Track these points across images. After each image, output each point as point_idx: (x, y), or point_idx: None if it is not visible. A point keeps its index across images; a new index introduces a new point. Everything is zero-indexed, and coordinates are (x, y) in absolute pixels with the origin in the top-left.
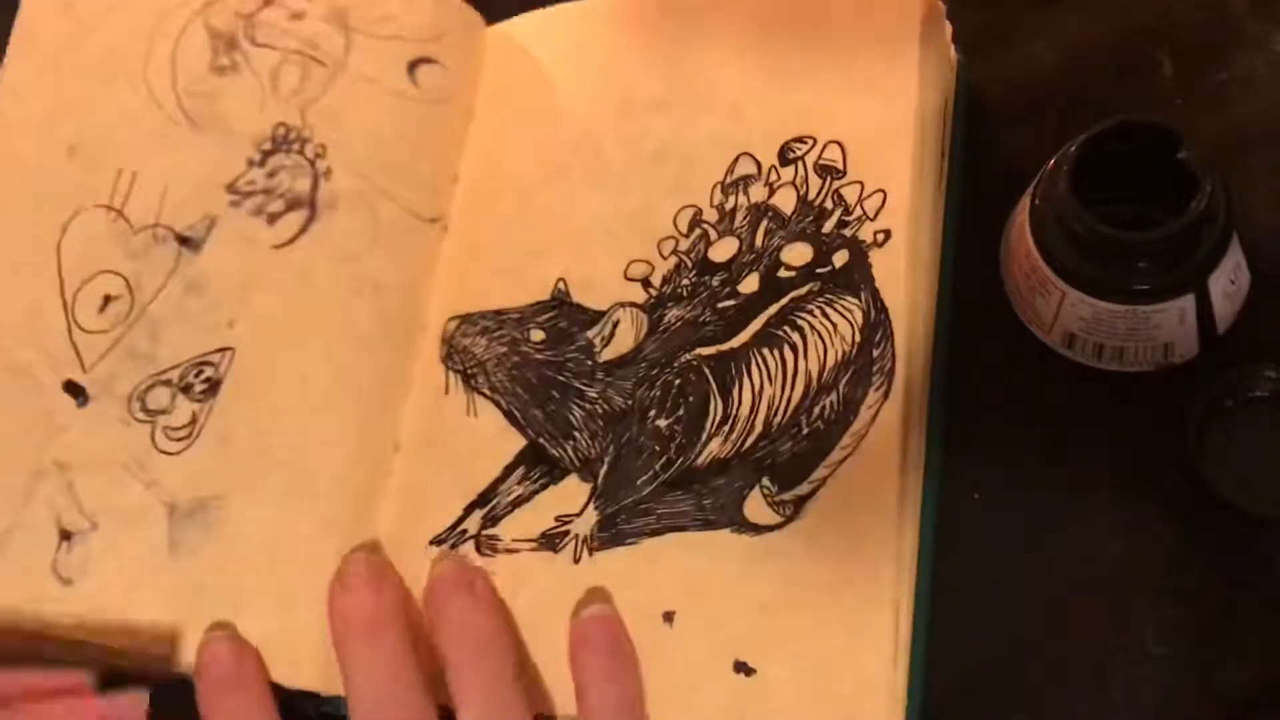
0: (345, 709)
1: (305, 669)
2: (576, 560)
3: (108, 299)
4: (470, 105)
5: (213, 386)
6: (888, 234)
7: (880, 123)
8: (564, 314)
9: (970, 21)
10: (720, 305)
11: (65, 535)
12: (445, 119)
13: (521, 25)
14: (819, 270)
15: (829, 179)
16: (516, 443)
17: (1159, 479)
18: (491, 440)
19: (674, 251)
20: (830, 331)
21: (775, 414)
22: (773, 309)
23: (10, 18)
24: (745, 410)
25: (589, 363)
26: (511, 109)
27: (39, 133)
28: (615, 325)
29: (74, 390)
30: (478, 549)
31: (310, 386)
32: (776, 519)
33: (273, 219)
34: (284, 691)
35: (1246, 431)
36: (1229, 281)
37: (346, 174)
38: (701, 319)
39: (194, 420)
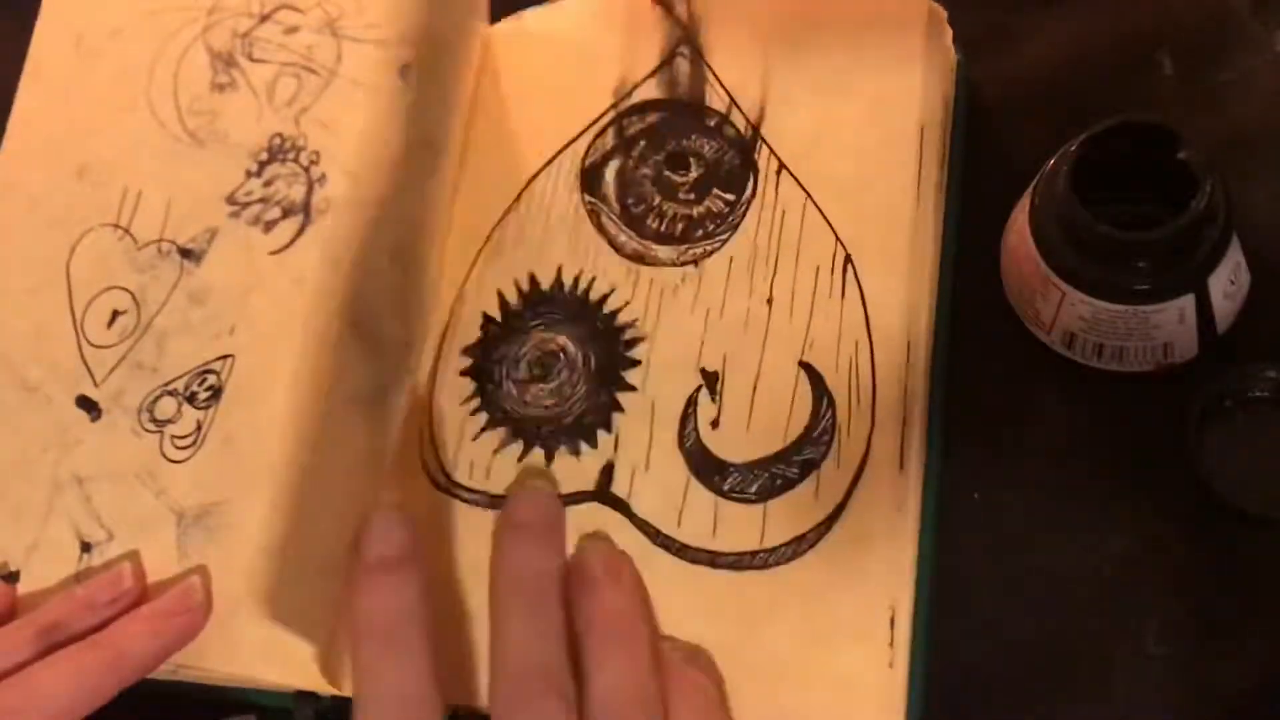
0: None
1: (306, 669)
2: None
3: (115, 314)
4: (468, 105)
5: (215, 393)
6: None
7: (884, 130)
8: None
9: (970, 21)
10: None
11: (85, 546)
12: (441, 119)
13: (521, 22)
14: None
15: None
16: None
17: (1159, 479)
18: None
19: None
20: None
21: None
22: None
23: (22, 50)
24: None
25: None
26: (511, 106)
27: (49, 159)
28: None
29: (87, 405)
30: None
31: (308, 388)
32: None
33: (269, 226)
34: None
35: (1246, 431)
36: (1229, 281)
37: (341, 179)
38: None
39: (199, 428)
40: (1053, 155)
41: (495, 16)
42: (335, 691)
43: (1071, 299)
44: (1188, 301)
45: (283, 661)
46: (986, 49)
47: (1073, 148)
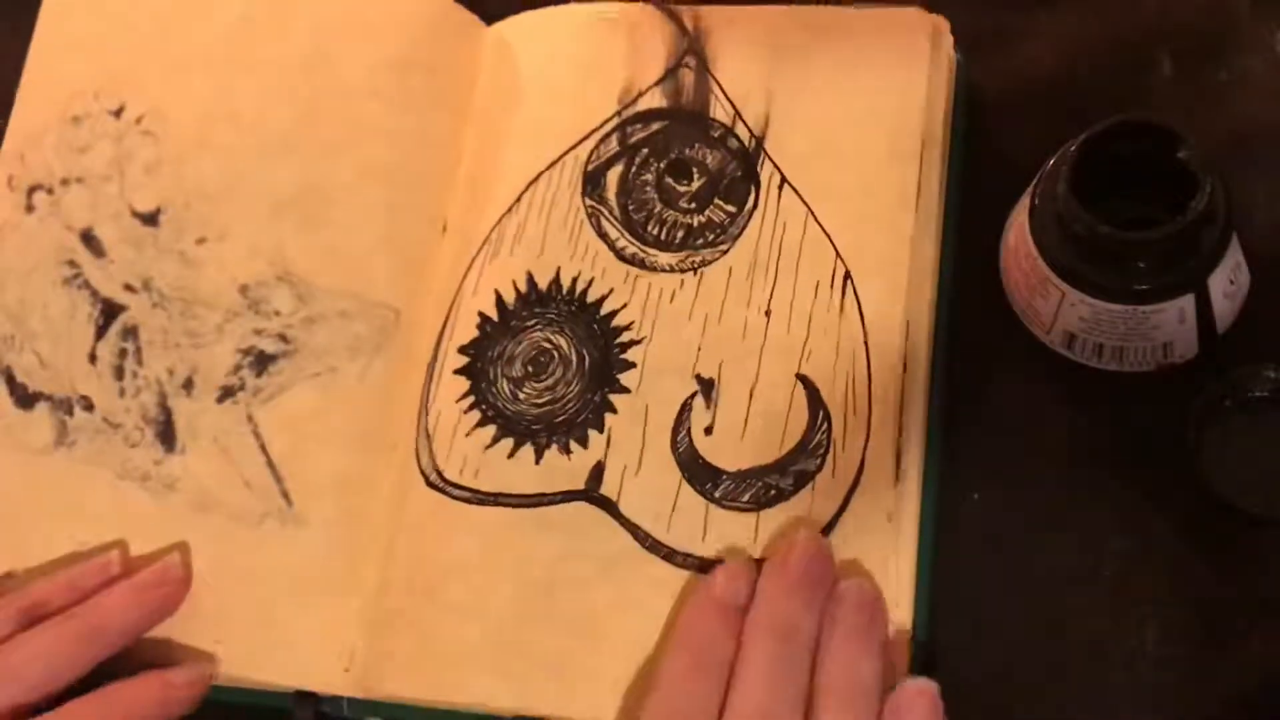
0: (346, 709)
1: (306, 669)
2: None
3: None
4: (467, 106)
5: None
6: None
7: (886, 144)
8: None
9: (970, 21)
10: None
11: None
12: (442, 122)
13: (518, 25)
14: None
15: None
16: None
17: (1159, 479)
18: None
19: None
20: None
21: None
22: None
23: (22, 50)
24: None
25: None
26: (513, 108)
27: None
28: None
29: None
30: None
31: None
32: None
33: None
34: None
35: (1246, 431)
36: (1229, 281)
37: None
38: None
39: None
40: (1053, 155)
41: (495, 16)
42: (335, 692)
43: (1071, 299)
44: (1187, 301)
45: (283, 661)
46: (986, 49)
47: (1073, 148)
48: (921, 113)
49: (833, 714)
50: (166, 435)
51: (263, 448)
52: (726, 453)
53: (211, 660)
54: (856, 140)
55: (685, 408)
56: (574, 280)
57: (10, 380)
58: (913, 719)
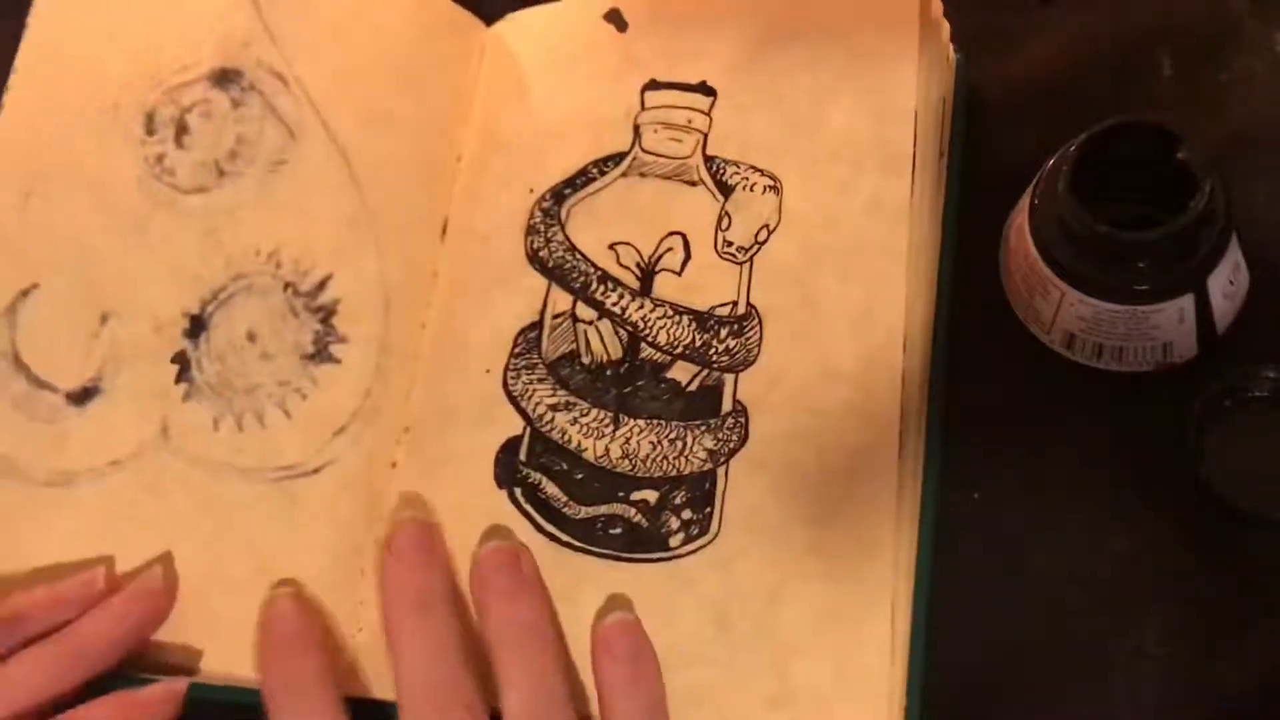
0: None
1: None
2: None
3: None
4: (469, 108)
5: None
6: None
7: (878, 125)
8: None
9: (970, 21)
10: None
11: None
12: (443, 123)
13: (515, 23)
14: None
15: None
16: None
17: (1159, 479)
18: None
19: None
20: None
21: None
22: None
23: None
24: None
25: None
26: (506, 107)
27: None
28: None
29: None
30: None
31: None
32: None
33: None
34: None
35: (1246, 431)
36: (1228, 281)
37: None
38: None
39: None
40: (1053, 155)
41: (495, 17)
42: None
43: (1071, 299)
44: (1187, 301)
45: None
46: (986, 49)
47: (1073, 148)
48: (914, 96)
49: (507, 660)
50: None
51: None
52: None
53: (185, 678)
54: (849, 128)
55: None
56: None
57: None
58: (619, 648)
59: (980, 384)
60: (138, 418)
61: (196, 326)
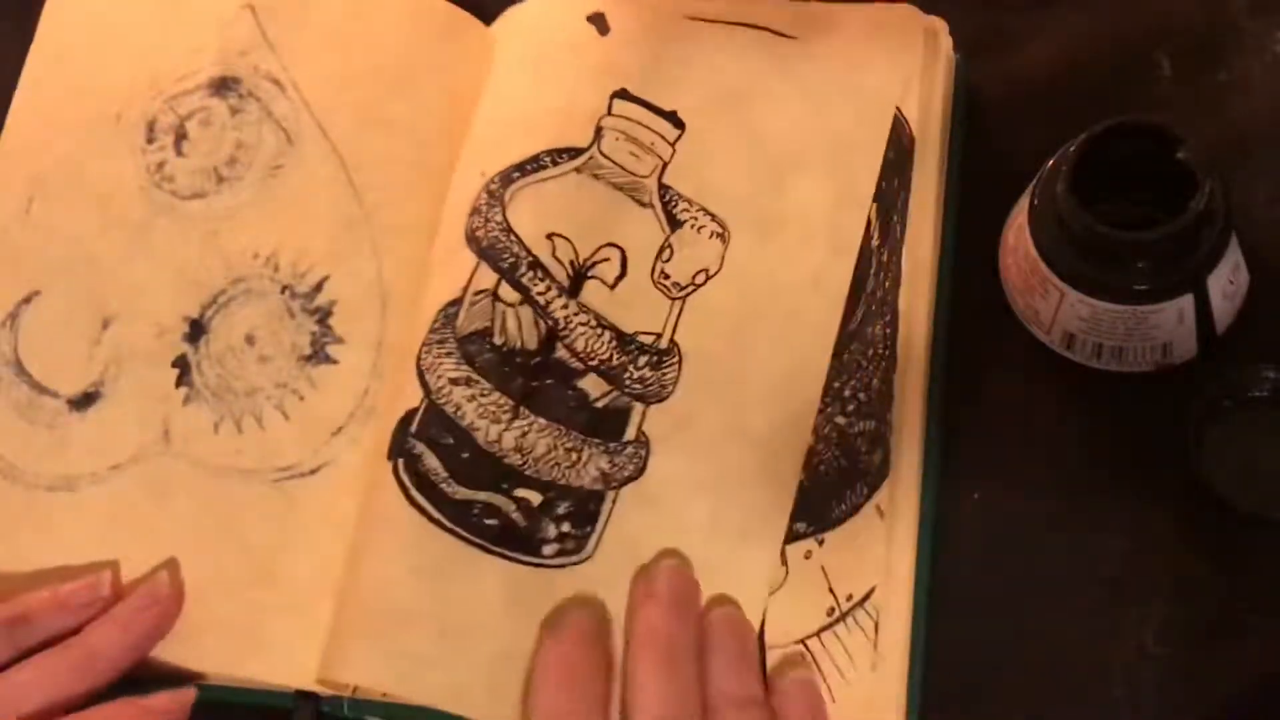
0: (346, 709)
1: (305, 669)
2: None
3: None
4: (468, 107)
5: None
6: None
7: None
8: None
9: (970, 21)
10: None
11: None
12: (444, 125)
13: (510, 20)
14: None
15: None
16: None
17: (1159, 479)
18: None
19: None
20: None
21: None
22: None
23: (22, 50)
24: None
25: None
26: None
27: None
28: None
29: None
30: None
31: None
32: None
33: None
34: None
35: (1246, 431)
36: (1228, 281)
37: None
38: None
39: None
40: (1053, 155)
41: (495, 17)
42: (335, 692)
43: (1071, 299)
44: (1187, 302)
45: (282, 661)
46: (986, 49)
47: (1072, 148)
48: (914, 97)
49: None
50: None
51: None
52: None
53: (193, 685)
54: (847, 132)
55: None
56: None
57: None
58: (799, 705)
59: (980, 384)
60: (139, 421)
61: (196, 330)
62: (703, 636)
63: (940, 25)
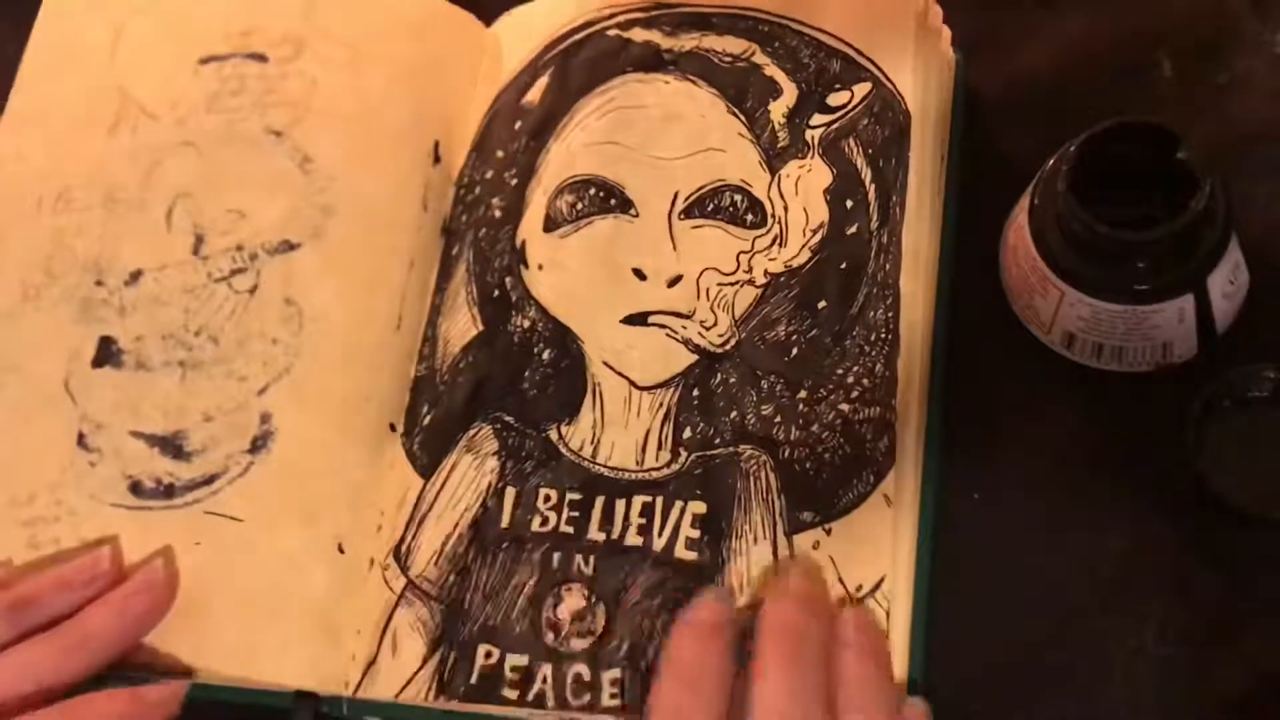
0: (346, 709)
1: (305, 669)
2: None
3: None
4: (467, 107)
5: None
6: None
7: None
8: None
9: (969, 21)
10: None
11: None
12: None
13: (509, 21)
14: None
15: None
16: None
17: (1159, 479)
18: None
19: None
20: None
21: None
22: None
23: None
24: None
25: None
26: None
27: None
28: None
29: None
30: None
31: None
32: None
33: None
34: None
35: (1246, 431)
36: (1228, 281)
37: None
38: None
39: None
40: (1053, 155)
41: (493, 15)
42: (335, 692)
43: (1071, 299)
44: (1187, 301)
45: (282, 661)
46: (986, 49)
47: (1072, 148)
48: (911, 87)
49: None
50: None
51: None
52: None
53: (188, 677)
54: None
55: None
56: None
57: None
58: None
59: (980, 384)
60: None
61: None
62: (834, 634)
63: (937, 11)
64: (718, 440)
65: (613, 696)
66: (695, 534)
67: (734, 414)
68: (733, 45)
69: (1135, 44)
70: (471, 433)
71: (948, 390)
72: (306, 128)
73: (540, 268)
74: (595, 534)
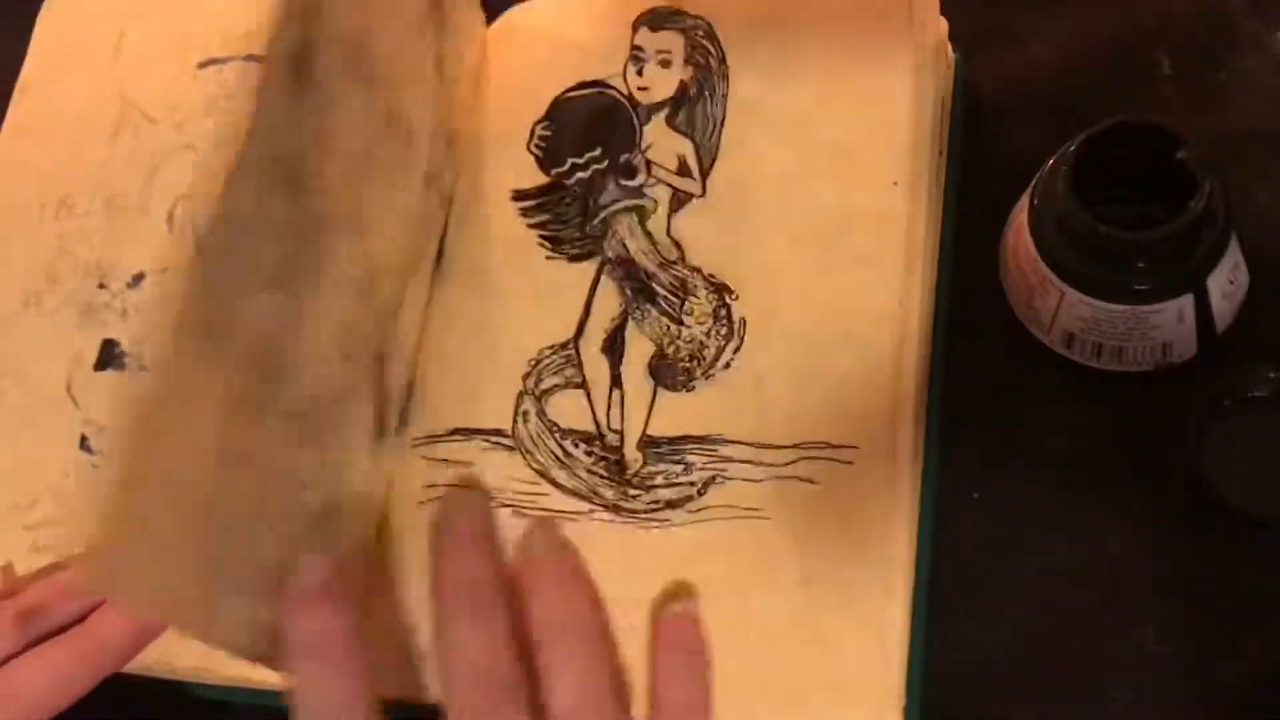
0: None
1: None
2: None
3: None
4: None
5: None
6: None
7: (873, 122)
8: None
9: (969, 21)
10: None
11: None
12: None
13: (509, 21)
14: None
15: None
16: None
17: (1158, 478)
18: None
19: None
20: None
21: None
22: None
23: (22, 50)
24: None
25: None
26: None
27: None
28: None
29: None
30: None
31: None
32: None
33: None
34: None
35: (1246, 431)
36: (1228, 281)
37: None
38: None
39: None
40: (1052, 155)
41: (493, 15)
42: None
43: (1070, 299)
44: (1186, 301)
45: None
46: (986, 49)
47: (1072, 148)
48: (910, 94)
49: (557, 657)
50: None
51: None
52: None
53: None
54: (843, 125)
55: None
56: None
57: None
58: (680, 647)
59: (979, 383)
60: None
61: None
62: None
63: (933, 7)
64: None
65: None
66: None
67: None
68: None
69: (1135, 44)
70: None
71: (947, 390)
72: None
73: None
74: None
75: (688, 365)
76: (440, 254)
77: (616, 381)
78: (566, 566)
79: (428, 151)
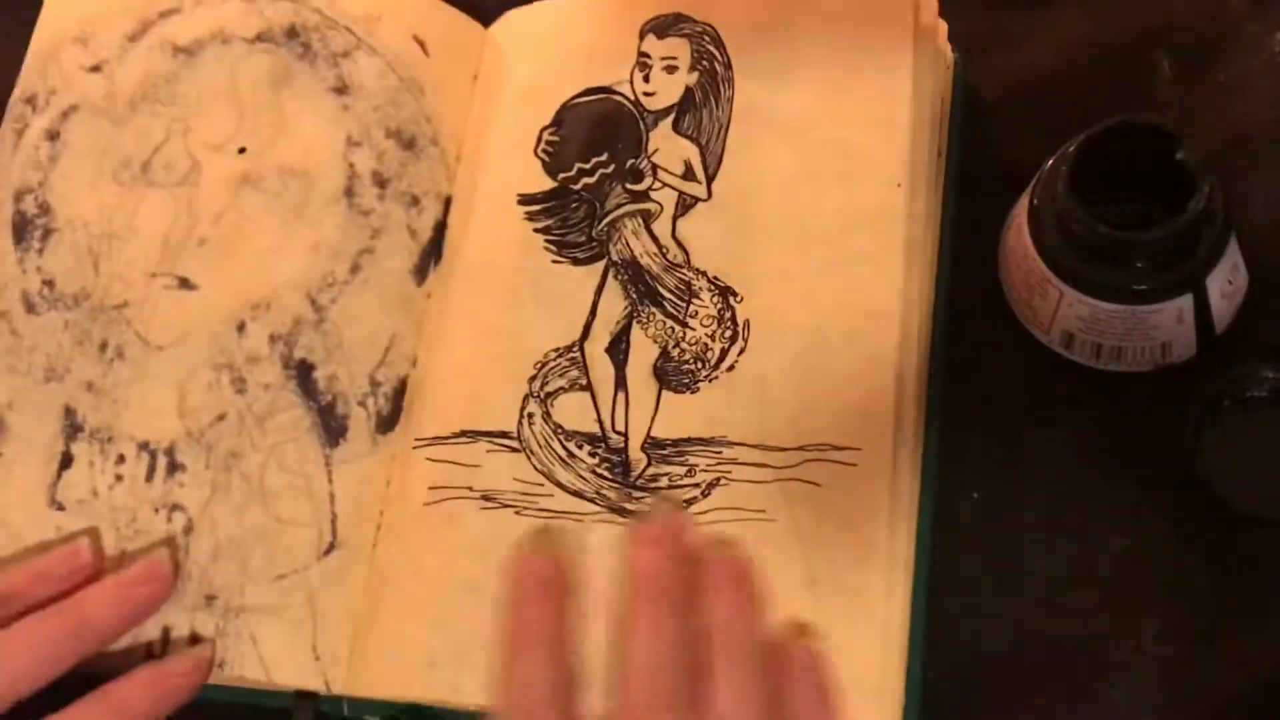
0: (346, 709)
1: (306, 669)
2: None
3: None
4: (468, 111)
5: None
6: None
7: (874, 123)
8: None
9: (968, 21)
10: None
11: None
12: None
13: (509, 22)
14: None
15: None
16: None
17: (1158, 479)
18: None
19: None
20: None
21: None
22: None
23: (22, 50)
24: None
25: None
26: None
27: None
28: None
29: None
30: None
31: None
32: None
33: None
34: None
35: (1245, 431)
36: (1227, 281)
37: None
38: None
39: None
40: (1052, 155)
41: (492, 18)
42: (335, 692)
43: (1070, 299)
44: (1186, 301)
45: (283, 662)
46: (986, 49)
47: (1072, 148)
48: (909, 94)
49: (725, 674)
50: None
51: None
52: None
53: (211, 644)
54: (843, 124)
55: None
56: None
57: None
58: (806, 691)
59: (979, 384)
60: None
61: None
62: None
63: (933, 8)
64: None
65: None
66: None
67: None
68: None
69: (1135, 44)
70: None
71: (947, 390)
72: None
73: None
74: None
75: (692, 367)
76: (440, 255)
77: (621, 384)
78: (742, 579)
79: None
